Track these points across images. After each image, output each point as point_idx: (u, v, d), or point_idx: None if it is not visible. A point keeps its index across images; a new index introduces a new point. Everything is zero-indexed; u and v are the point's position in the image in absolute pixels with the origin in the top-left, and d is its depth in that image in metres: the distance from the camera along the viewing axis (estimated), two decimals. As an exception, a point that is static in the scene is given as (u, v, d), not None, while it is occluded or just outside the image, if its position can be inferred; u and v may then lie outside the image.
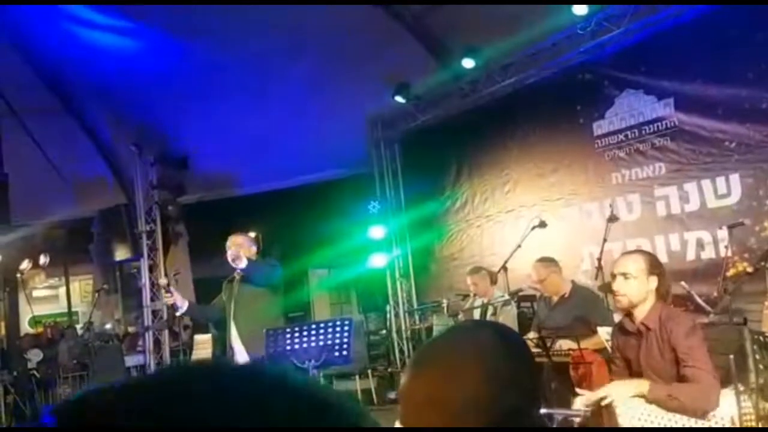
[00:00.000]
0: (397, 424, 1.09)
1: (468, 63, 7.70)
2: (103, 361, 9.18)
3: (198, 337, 9.00)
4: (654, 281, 3.06)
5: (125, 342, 11.18)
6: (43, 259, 10.37)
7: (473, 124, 8.31)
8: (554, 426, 2.58)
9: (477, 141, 8.36)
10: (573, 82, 7.17)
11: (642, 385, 2.88)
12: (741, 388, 2.97)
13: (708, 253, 6.02)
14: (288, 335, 4.36)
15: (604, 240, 5.41)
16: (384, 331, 9.85)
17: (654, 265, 3.11)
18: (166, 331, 9.40)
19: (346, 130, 9.15)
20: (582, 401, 2.99)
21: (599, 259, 5.35)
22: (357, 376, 8.06)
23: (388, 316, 9.49)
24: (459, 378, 1.04)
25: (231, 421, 0.44)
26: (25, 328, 14.13)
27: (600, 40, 6.73)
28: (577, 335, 4.16)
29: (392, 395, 8.02)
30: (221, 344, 5.92)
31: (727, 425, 2.89)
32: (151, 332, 9.48)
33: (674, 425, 2.81)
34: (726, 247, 5.27)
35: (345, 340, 4.40)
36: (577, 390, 3.24)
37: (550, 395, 3.72)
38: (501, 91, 7.86)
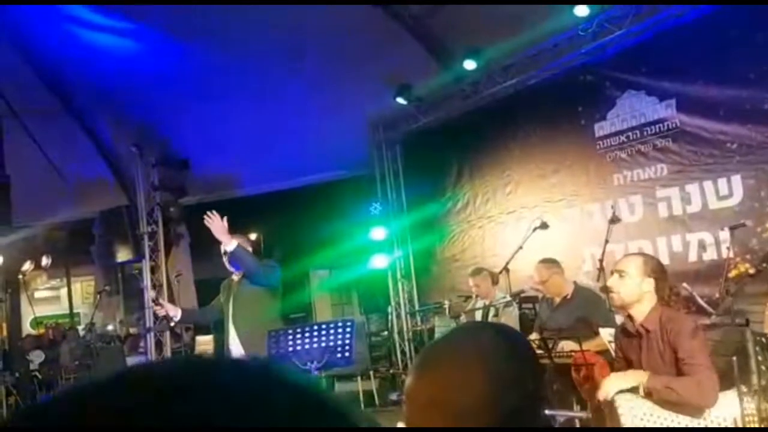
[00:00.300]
0: (400, 424, 1.09)
1: (469, 64, 7.70)
2: (104, 362, 9.18)
3: (200, 339, 9.02)
4: (649, 283, 3.06)
5: (127, 343, 11.19)
6: (45, 261, 10.39)
7: (474, 125, 8.32)
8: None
9: (478, 142, 8.36)
10: (574, 84, 7.17)
11: (640, 376, 2.89)
12: (744, 389, 2.97)
13: (710, 255, 6.01)
14: (290, 336, 4.36)
15: (606, 241, 5.41)
16: (385, 333, 9.85)
17: (653, 269, 3.11)
18: (168, 333, 9.40)
19: (347, 131, 9.15)
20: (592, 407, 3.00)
21: (601, 261, 5.34)
22: (359, 378, 8.06)
23: (389, 317, 9.48)
24: (462, 379, 1.04)
25: (233, 418, 0.44)
26: (27, 329, 14.16)
27: (601, 41, 6.72)
28: (579, 337, 4.16)
29: (394, 396, 8.02)
30: (221, 345, 5.92)
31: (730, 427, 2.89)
32: (152, 333, 9.48)
33: (677, 425, 2.81)
34: (728, 248, 5.26)
35: (347, 341, 4.39)
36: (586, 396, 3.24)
37: (552, 397, 3.72)
38: (502, 92, 7.87)
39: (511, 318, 5.81)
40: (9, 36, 8.93)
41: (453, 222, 8.78)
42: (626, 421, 2.85)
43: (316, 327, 4.46)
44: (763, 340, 3.11)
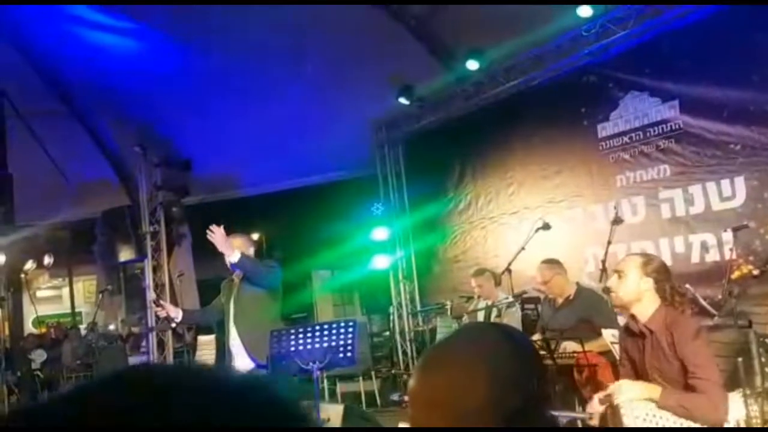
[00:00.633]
0: (401, 425, 1.10)
1: (472, 65, 7.70)
2: (106, 361, 9.20)
3: (201, 338, 9.01)
4: (647, 282, 3.06)
5: (129, 343, 11.21)
6: (47, 260, 10.41)
7: (477, 125, 8.31)
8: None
9: (481, 143, 8.36)
10: (577, 84, 7.17)
11: (653, 392, 2.86)
12: (747, 391, 2.96)
13: (712, 256, 6.01)
14: (292, 336, 4.36)
15: (609, 242, 5.40)
16: (387, 333, 9.85)
17: (654, 269, 3.10)
18: (170, 332, 9.40)
19: (349, 131, 9.15)
20: (595, 404, 2.99)
21: (603, 261, 5.34)
22: (360, 378, 8.05)
23: (391, 317, 9.48)
24: (466, 380, 1.04)
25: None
26: (29, 328, 14.18)
27: (604, 42, 6.72)
28: (582, 337, 4.15)
29: (395, 397, 8.01)
30: (222, 345, 5.93)
31: (733, 428, 2.88)
32: (154, 333, 9.49)
33: (678, 425, 2.80)
34: (731, 249, 5.25)
35: (349, 341, 4.39)
36: (593, 396, 3.23)
37: (555, 398, 3.72)
38: (505, 92, 7.86)
39: (513, 319, 5.80)
40: (12, 36, 8.95)
41: (455, 222, 8.78)
42: (628, 422, 2.85)
43: (318, 327, 4.46)
44: (767, 341, 3.10)
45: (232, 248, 4.48)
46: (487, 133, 8.25)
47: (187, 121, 9.79)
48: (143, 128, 10.02)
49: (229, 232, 4.63)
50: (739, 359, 2.97)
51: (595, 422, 2.93)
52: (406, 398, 7.71)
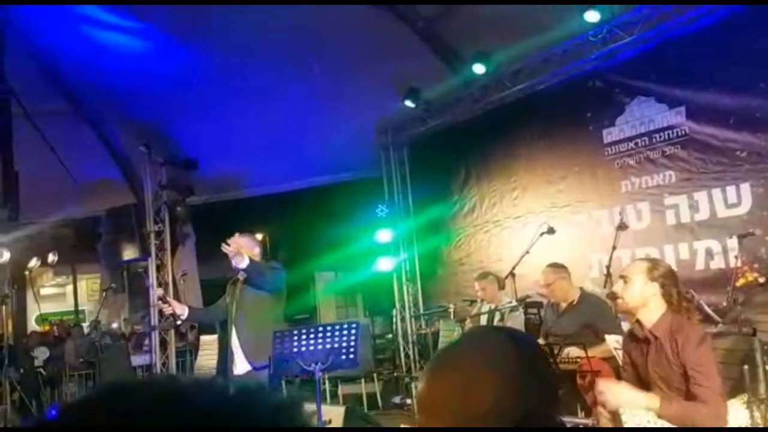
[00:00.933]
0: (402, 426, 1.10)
1: (478, 68, 7.70)
2: (109, 360, 9.21)
3: (204, 338, 9.01)
4: (653, 287, 3.04)
5: (131, 341, 11.23)
6: (51, 258, 10.42)
7: (482, 129, 8.31)
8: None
9: (486, 146, 8.35)
10: (583, 89, 7.15)
11: (653, 401, 2.84)
12: (751, 398, 2.95)
13: (717, 263, 5.99)
14: (295, 337, 4.35)
15: (613, 248, 5.39)
16: (390, 335, 9.84)
17: (660, 274, 3.09)
18: (173, 331, 9.42)
19: (354, 133, 9.16)
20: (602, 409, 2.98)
21: (608, 267, 5.33)
22: (362, 380, 8.05)
23: (394, 320, 9.47)
24: (475, 385, 1.04)
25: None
26: (32, 325, 14.21)
27: (611, 47, 6.71)
28: (585, 343, 4.14)
29: (397, 399, 8.01)
30: (225, 346, 5.92)
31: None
32: (157, 332, 9.50)
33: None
34: (736, 256, 5.24)
35: (352, 343, 4.39)
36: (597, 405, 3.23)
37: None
38: (511, 96, 7.85)
39: (516, 323, 5.79)
40: (20, 36, 8.97)
41: (459, 226, 8.77)
42: (629, 423, 2.85)
43: (321, 328, 4.46)
44: (771, 349, 3.09)
45: (243, 256, 4.45)
46: (493, 136, 8.24)
47: (193, 121, 9.81)
48: (149, 128, 10.04)
49: (233, 232, 4.63)
50: (745, 366, 2.96)
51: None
52: (408, 401, 7.69)
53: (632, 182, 6.73)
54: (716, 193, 6.03)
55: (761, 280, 4.74)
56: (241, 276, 4.78)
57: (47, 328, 14.06)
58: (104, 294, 10.19)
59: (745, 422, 2.91)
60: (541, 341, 4.86)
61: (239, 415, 0.48)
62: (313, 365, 4.30)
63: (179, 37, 8.73)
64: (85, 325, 13.21)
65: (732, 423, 2.87)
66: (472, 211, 8.61)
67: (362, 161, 9.67)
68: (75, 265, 15.11)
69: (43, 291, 16.44)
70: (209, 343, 8.48)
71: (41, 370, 10.10)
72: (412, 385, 7.18)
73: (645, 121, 6.60)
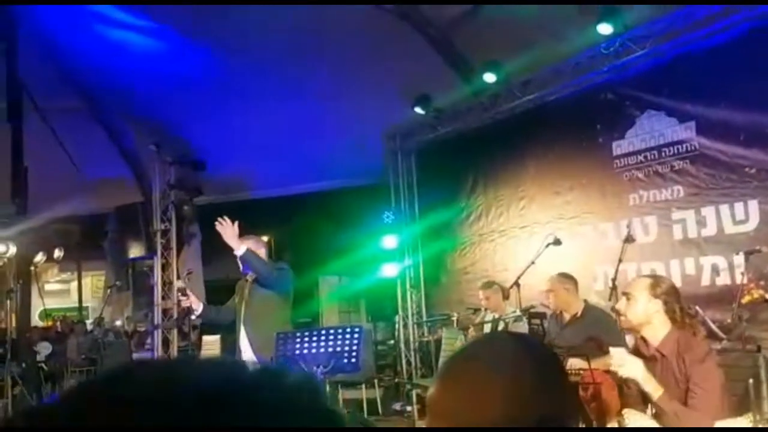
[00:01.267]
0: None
1: (489, 77, 7.71)
2: (111, 357, 9.23)
3: (206, 338, 9.03)
4: (656, 304, 3.02)
5: (134, 339, 11.24)
6: (57, 253, 10.47)
7: (491, 138, 8.30)
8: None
9: (494, 155, 8.34)
10: (594, 101, 7.15)
11: (657, 389, 2.83)
12: (757, 417, 2.93)
13: (723, 279, 5.96)
14: (298, 339, 4.36)
15: (619, 261, 5.36)
16: (392, 342, 9.82)
17: (663, 291, 3.07)
18: (175, 330, 9.43)
19: (363, 139, 9.17)
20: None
21: (614, 280, 5.30)
22: (363, 385, 8.02)
23: (396, 326, 9.46)
24: (484, 392, 1.03)
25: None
26: (36, 320, 14.26)
27: (624, 60, 6.71)
28: (588, 354, 4.12)
29: (397, 406, 7.99)
30: (231, 346, 5.92)
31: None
32: (160, 331, 9.51)
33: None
34: (742, 273, 5.21)
35: (354, 347, 4.39)
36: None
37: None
38: (521, 106, 7.86)
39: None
40: (33, 33, 9.04)
41: (465, 234, 8.76)
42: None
43: (324, 331, 4.46)
44: (776, 367, 3.07)
45: (239, 242, 4.47)
46: (501, 146, 8.24)
47: (203, 122, 9.85)
48: (159, 127, 10.09)
49: (240, 233, 4.64)
50: (750, 380, 2.94)
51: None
52: (408, 408, 7.66)
53: (640, 195, 6.71)
54: (724, 209, 6.01)
55: (767, 297, 4.71)
56: (251, 277, 4.79)
57: (50, 323, 14.12)
58: (108, 291, 10.24)
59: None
60: (544, 352, 4.84)
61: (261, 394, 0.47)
62: (315, 368, 4.30)
63: (193, 37, 8.78)
64: (88, 321, 13.23)
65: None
66: (479, 219, 8.60)
67: (370, 167, 9.68)
68: (80, 262, 15.15)
69: (48, 286, 16.49)
70: (211, 343, 8.50)
71: (43, 365, 10.13)
72: (413, 392, 7.16)
73: (655, 135, 6.59)
